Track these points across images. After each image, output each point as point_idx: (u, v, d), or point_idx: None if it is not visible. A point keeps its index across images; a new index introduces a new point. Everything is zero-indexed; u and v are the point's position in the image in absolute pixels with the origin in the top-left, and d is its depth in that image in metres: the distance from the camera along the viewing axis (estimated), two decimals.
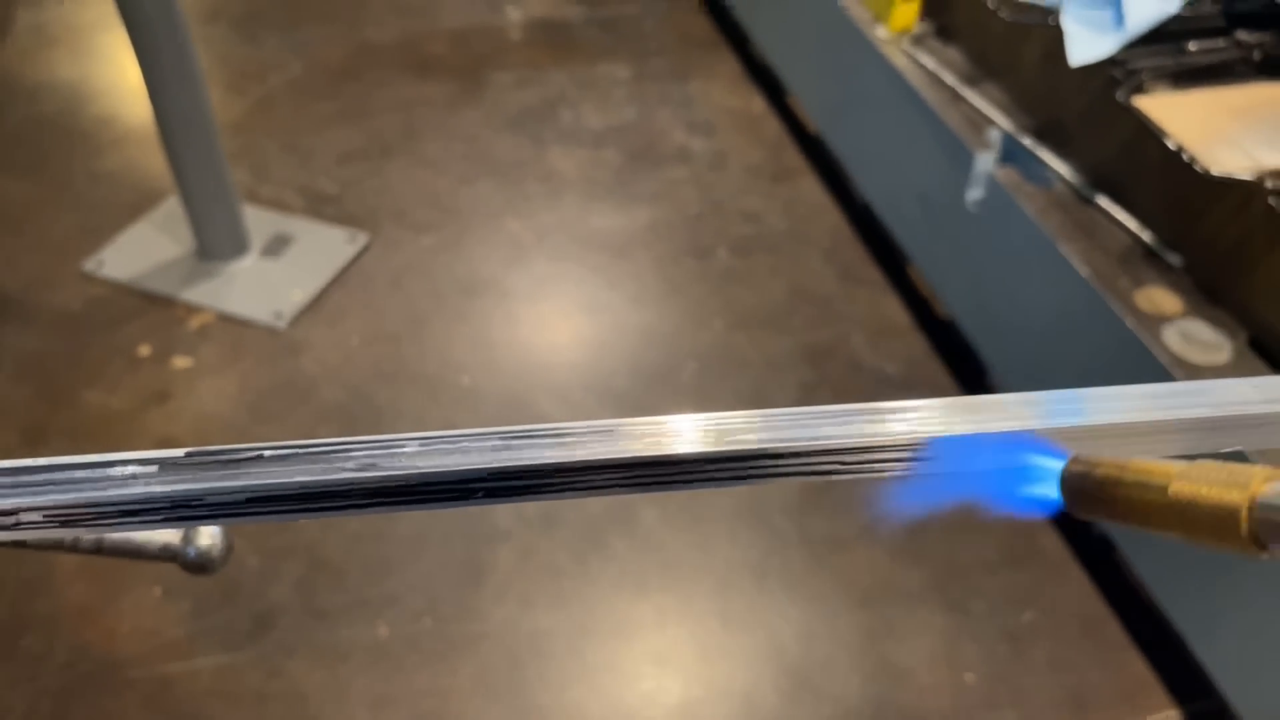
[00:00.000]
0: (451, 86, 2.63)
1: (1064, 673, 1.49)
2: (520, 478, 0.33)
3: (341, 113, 2.53)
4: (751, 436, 0.35)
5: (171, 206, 2.20)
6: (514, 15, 2.93)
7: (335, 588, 1.56)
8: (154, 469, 0.28)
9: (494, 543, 1.63)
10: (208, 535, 0.45)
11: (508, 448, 0.33)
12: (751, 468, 0.36)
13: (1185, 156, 1.41)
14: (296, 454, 0.30)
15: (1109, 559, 1.60)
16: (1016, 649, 1.52)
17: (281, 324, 1.98)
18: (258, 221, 2.18)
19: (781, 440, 0.37)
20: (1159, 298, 1.47)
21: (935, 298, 2.02)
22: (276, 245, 2.15)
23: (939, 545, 1.64)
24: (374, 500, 0.31)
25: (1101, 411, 0.37)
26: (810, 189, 2.35)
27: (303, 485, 0.29)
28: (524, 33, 2.86)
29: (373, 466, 0.31)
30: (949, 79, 1.88)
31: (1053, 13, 1.67)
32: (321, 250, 2.15)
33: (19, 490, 0.27)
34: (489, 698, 1.44)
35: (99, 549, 0.44)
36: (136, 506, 0.27)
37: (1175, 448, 0.36)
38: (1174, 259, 1.50)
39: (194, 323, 1.98)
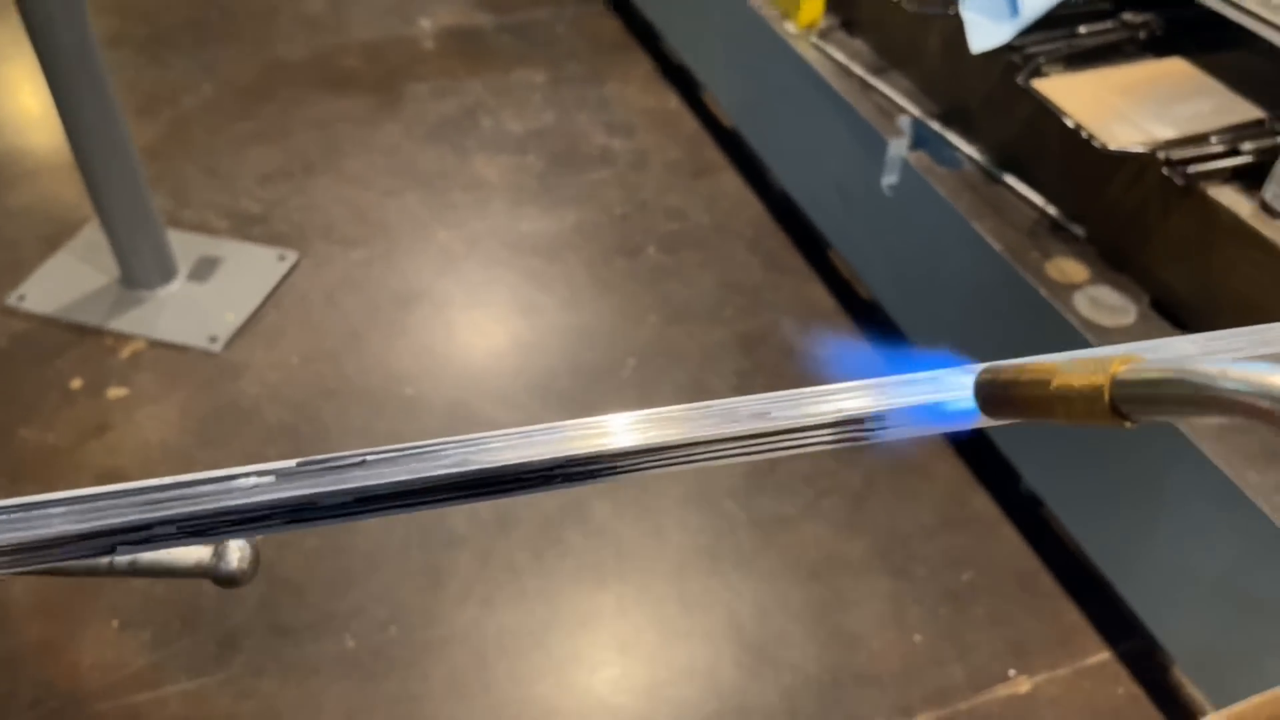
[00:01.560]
0: (369, 100, 2.64)
1: (1004, 626, 1.58)
2: (592, 462, 0.37)
3: (259, 132, 2.51)
4: (792, 412, 0.40)
5: (91, 235, 2.17)
6: (425, 25, 2.94)
7: (298, 604, 1.57)
8: (271, 479, 0.32)
9: (451, 548, 1.66)
10: (237, 549, 0.48)
11: (580, 437, 0.37)
12: (771, 442, 0.40)
13: (1083, 134, 1.51)
14: (397, 456, 0.34)
15: (1037, 516, 1.70)
16: (958, 607, 1.60)
17: (217, 347, 1.97)
18: (183, 245, 2.16)
19: (766, 420, 0.42)
20: (1067, 267, 1.57)
21: (857, 281, 2.10)
22: (204, 268, 2.14)
23: (879, 516, 1.72)
24: (468, 492, 0.35)
25: None
26: (730, 183, 2.42)
27: (404, 484, 0.33)
28: (437, 42, 2.88)
29: (465, 462, 0.35)
30: (858, 70, 1.96)
31: (952, 3, 1.76)
32: (251, 271, 2.14)
33: (149, 506, 0.30)
34: (460, 699, 1.47)
35: (134, 570, 0.47)
36: (261, 513, 0.31)
37: None
38: (1078, 230, 1.60)
39: (125, 352, 1.96)
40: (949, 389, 0.42)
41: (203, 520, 0.30)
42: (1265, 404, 0.30)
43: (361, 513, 0.33)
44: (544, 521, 1.70)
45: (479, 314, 2.09)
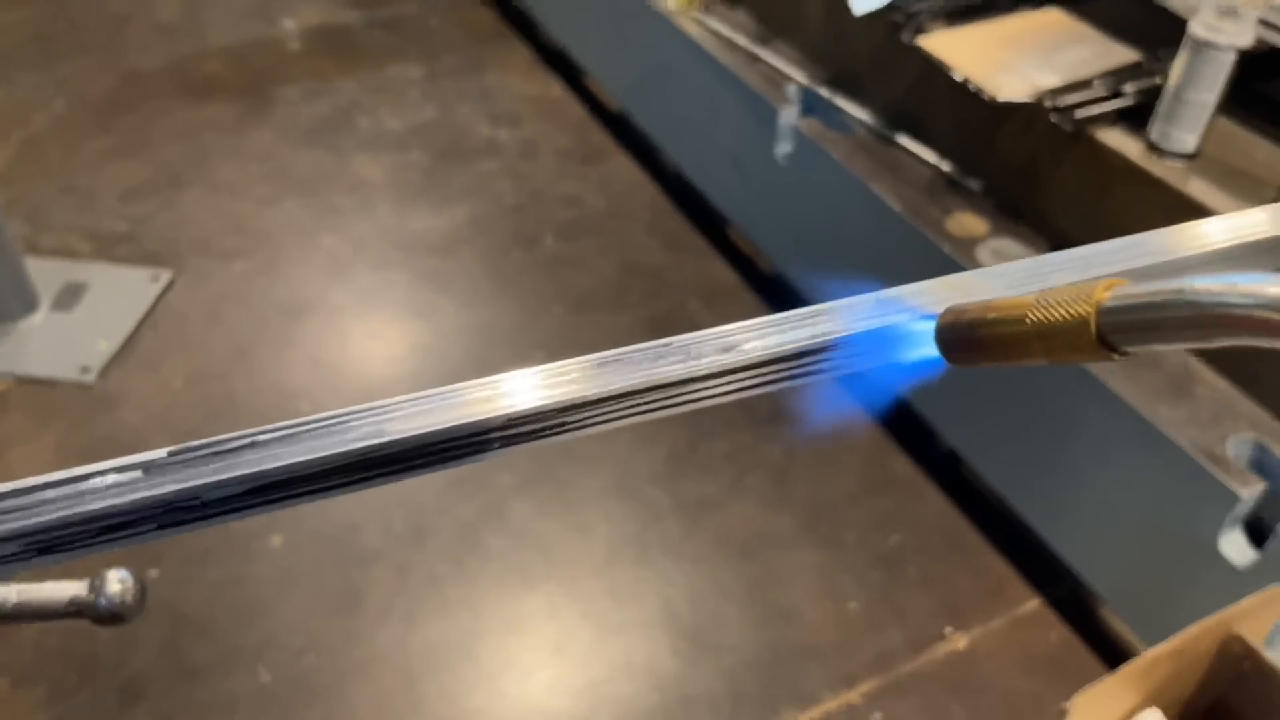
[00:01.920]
0: (236, 106, 2.50)
1: (936, 585, 1.58)
2: (536, 419, 0.32)
3: (119, 147, 2.36)
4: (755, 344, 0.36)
5: None
6: (289, 26, 2.81)
7: (203, 642, 1.47)
8: (137, 474, 0.26)
9: (366, 565, 1.57)
10: (116, 579, 0.42)
11: (519, 391, 0.32)
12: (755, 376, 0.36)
13: (971, 87, 1.51)
14: (296, 432, 0.28)
15: (957, 472, 1.71)
16: (889, 571, 1.60)
17: (90, 378, 1.84)
18: (44, 273, 2.01)
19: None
20: (967, 222, 1.57)
21: (759, 254, 2.08)
22: (69, 296, 1.99)
23: (802, 488, 1.70)
24: (386, 469, 0.29)
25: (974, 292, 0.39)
26: (622, 166, 2.37)
27: (309, 464, 0.27)
28: (303, 42, 2.75)
29: (380, 433, 0.29)
30: (742, 42, 1.94)
31: None
32: (122, 294, 2.00)
33: None
34: None
35: (3, 614, 0.40)
36: (126, 518, 0.25)
37: None
38: (975, 184, 1.61)
39: None
40: (905, 338, 0.38)
41: (54, 533, 0.24)
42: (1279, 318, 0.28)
43: (256, 504, 0.27)
44: (462, 528, 1.63)
45: (374, 319, 2.00)
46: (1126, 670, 1.07)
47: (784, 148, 1.81)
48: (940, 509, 1.67)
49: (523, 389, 0.33)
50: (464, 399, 0.32)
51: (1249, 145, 1.41)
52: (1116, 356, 0.32)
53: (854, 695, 1.44)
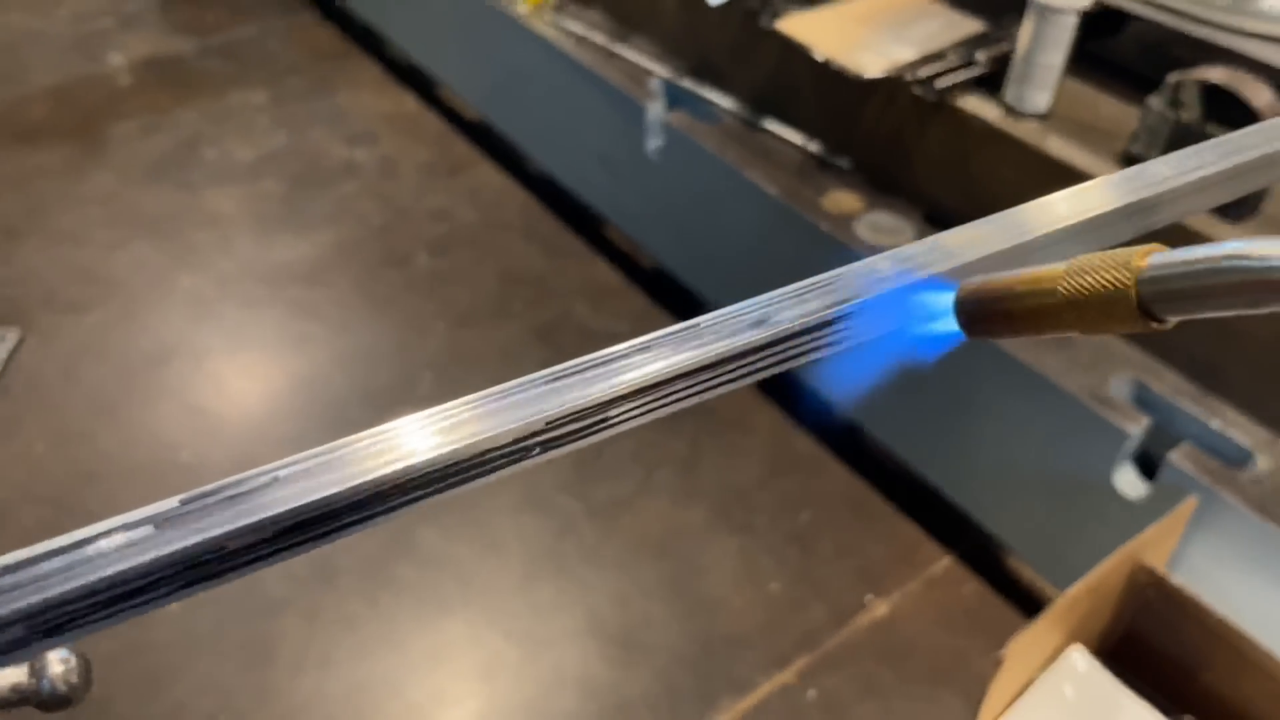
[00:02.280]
0: (68, 149, 2.35)
1: (850, 556, 1.61)
2: (578, 418, 0.30)
3: None
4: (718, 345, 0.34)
5: None
6: (117, 60, 2.66)
7: None
8: (149, 529, 0.22)
9: (272, 614, 1.50)
10: (59, 661, 0.37)
11: (554, 391, 0.29)
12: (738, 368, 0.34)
13: (834, 67, 1.54)
14: (323, 463, 0.25)
15: (858, 443, 1.74)
16: (804, 548, 1.62)
17: None
18: None
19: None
20: (842, 199, 1.60)
21: (639, 251, 2.08)
22: None
23: (711, 477, 1.71)
24: (429, 487, 0.26)
25: (978, 246, 0.38)
26: (489, 176, 2.33)
27: (342, 495, 0.24)
28: (134, 76, 2.61)
29: (440, 445, 0.26)
30: (599, 40, 1.93)
31: None
32: None
33: None
34: None
35: None
36: (144, 580, 0.21)
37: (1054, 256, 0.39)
38: (844, 162, 1.64)
39: None
40: (922, 313, 0.37)
41: (62, 609, 0.21)
42: None
43: (288, 547, 0.24)
44: (369, 563, 1.57)
45: (247, 358, 1.91)
46: (1050, 612, 1.11)
47: (654, 142, 1.81)
48: (845, 481, 1.70)
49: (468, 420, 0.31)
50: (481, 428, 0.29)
51: (1095, 102, 1.48)
52: (1158, 325, 0.31)
53: (788, 675, 1.45)
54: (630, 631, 1.49)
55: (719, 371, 0.34)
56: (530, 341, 1.92)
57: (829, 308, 0.36)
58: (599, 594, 1.54)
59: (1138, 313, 0.31)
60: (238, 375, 1.87)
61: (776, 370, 0.36)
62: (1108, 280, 0.32)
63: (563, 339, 1.93)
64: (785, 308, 0.35)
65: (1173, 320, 0.31)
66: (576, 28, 1.96)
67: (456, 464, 0.29)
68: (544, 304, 2.01)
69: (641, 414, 0.35)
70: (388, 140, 2.43)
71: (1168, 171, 0.41)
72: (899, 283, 0.37)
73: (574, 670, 1.45)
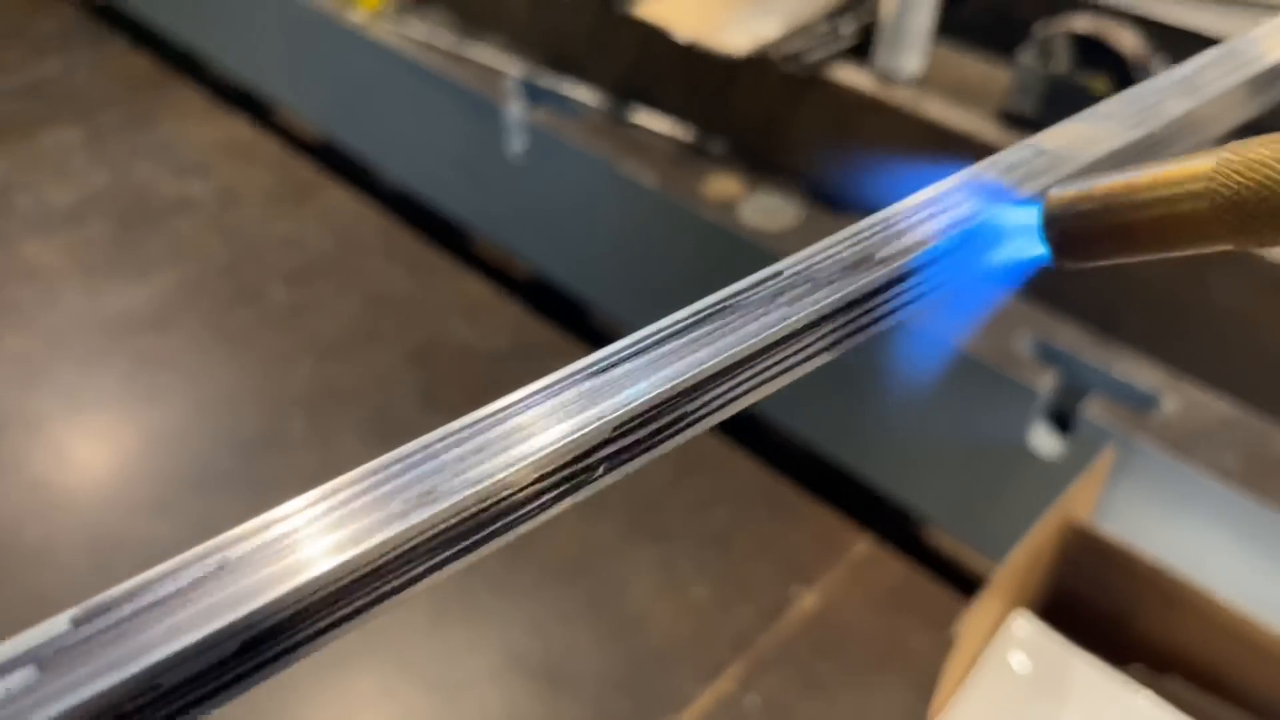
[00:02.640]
0: None
1: (771, 550, 1.56)
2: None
3: None
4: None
5: None
6: None
7: None
8: (31, 672, 0.13)
9: None
10: None
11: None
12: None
13: (698, 49, 1.49)
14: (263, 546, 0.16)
15: (762, 434, 1.69)
16: (724, 548, 1.56)
17: None
18: None
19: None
20: (722, 184, 1.55)
21: (511, 260, 1.99)
22: None
23: (617, 488, 1.62)
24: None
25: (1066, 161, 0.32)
26: (340, 198, 2.19)
27: (324, 581, 0.15)
28: None
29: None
30: (446, 43, 1.83)
31: None
32: None
33: None
34: None
35: None
36: None
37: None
38: (719, 147, 1.59)
39: None
40: (992, 237, 0.30)
41: None
42: None
43: (250, 671, 0.16)
44: None
45: (91, 420, 1.72)
46: (993, 583, 1.08)
47: (516, 145, 1.73)
48: (755, 475, 1.65)
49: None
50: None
51: (963, 64, 1.48)
52: None
53: (725, 683, 1.38)
54: (554, 662, 1.40)
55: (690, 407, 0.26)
56: (406, 366, 1.80)
57: (885, 264, 0.29)
58: (515, 626, 1.44)
59: None
60: (82, 440, 1.69)
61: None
62: None
63: (440, 360, 1.82)
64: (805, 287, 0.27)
65: None
66: (419, 32, 1.85)
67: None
68: (416, 326, 1.89)
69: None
70: (223, 170, 2.25)
71: None
72: (976, 215, 0.29)
73: (499, 712, 1.35)
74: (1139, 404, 1.24)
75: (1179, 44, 1.24)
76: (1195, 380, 1.24)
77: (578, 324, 1.87)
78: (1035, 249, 0.30)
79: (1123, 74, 1.22)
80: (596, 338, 1.84)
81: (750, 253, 1.46)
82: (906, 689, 1.36)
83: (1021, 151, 0.31)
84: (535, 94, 1.72)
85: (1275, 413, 1.20)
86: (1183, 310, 1.23)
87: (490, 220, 1.92)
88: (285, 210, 2.16)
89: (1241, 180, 0.26)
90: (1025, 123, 1.33)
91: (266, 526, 0.22)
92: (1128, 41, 1.24)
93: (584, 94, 1.69)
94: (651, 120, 1.63)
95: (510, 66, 1.75)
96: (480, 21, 1.86)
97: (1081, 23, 1.26)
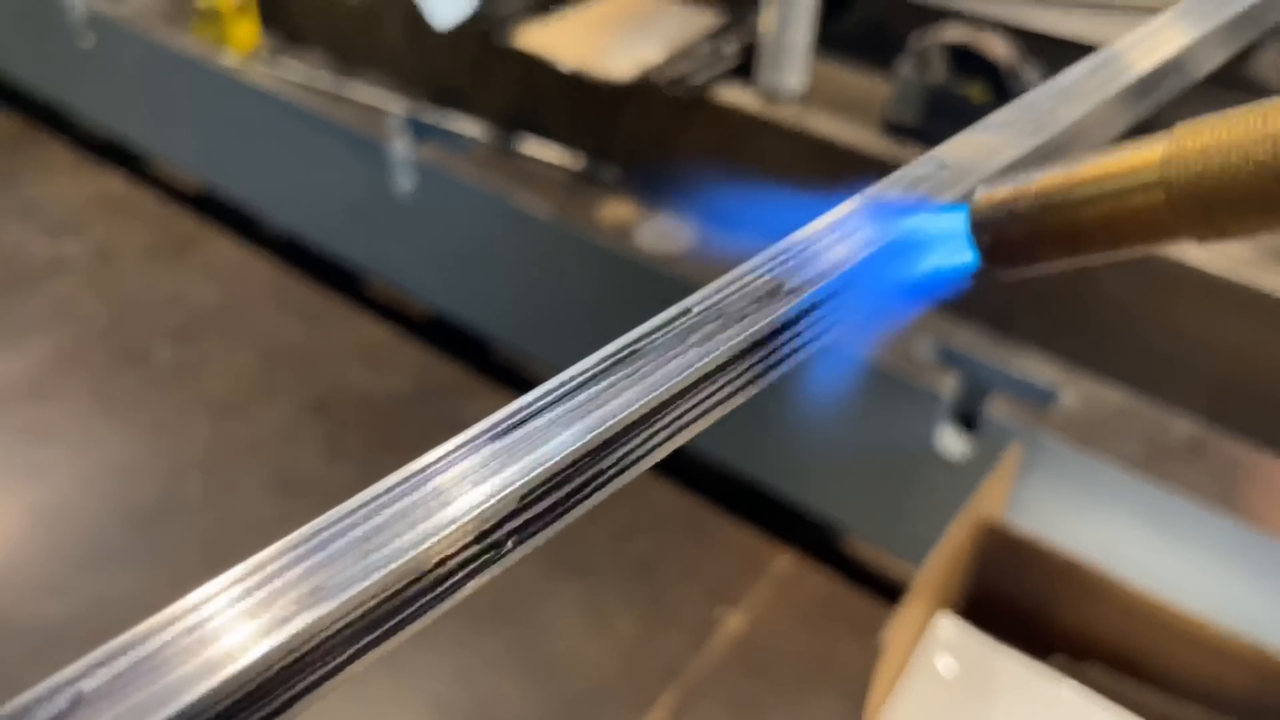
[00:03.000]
0: None
1: (694, 574, 1.54)
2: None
3: None
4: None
5: None
6: None
7: None
8: None
9: None
10: None
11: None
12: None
13: (583, 76, 1.48)
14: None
15: (677, 457, 1.68)
16: (647, 577, 1.54)
17: None
18: None
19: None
20: (616, 210, 1.54)
21: (407, 300, 1.94)
22: None
23: None
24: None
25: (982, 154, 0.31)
26: (224, 249, 2.12)
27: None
28: None
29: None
30: (324, 83, 1.78)
31: None
32: None
33: None
34: None
35: None
36: None
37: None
38: (611, 173, 1.58)
39: None
40: (909, 252, 0.28)
41: None
42: None
43: None
44: None
45: None
46: (915, 588, 1.08)
47: (404, 183, 1.69)
48: (673, 499, 1.64)
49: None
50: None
51: (844, 79, 1.50)
52: None
53: (658, 714, 1.36)
54: (483, 711, 1.36)
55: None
56: (306, 418, 1.74)
57: (788, 297, 0.27)
58: (440, 678, 1.39)
59: None
60: None
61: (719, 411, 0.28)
62: (1265, 155, 0.22)
63: (342, 408, 1.76)
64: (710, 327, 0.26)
65: None
66: (296, 74, 1.80)
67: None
68: (314, 375, 1.83)
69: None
70: (98, 227, 2.16)
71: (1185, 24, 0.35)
72: (868, 244, 0.28)
73: None
74: (1039, 400, 1.27)
75: (1048, 50, 1.28)
76: (1091, 373, 1.28)
77: (481, 360, 1.84)
78: (964, 257, 0.28)
79: (997, 81, 1.25)
80: (500, 372, 1.81)
81: (649, 277, 1.45)
82: (838, 700, 1.36)
83: (924, 166, 0.30)
84: (420, 130, 1.69)
85: (1168, 400, 1.24)
86: (1075, 306, 1.27)
87: (383, 261, 1.88)
88: (166, 265, 2.07)
89: (1198, 167, 0.23)
90: (908, 132, 1.35)
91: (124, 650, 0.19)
92: (1000, 49, 1.27)
93: (470, 127, 1.66)
94: (541, 150, 1.62)
95: (392, 104, 1.72)
96: (358, 60, 1.82)
97: (955, 33, 1.29)
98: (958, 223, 0.27)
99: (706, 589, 1.52)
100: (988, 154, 0.30)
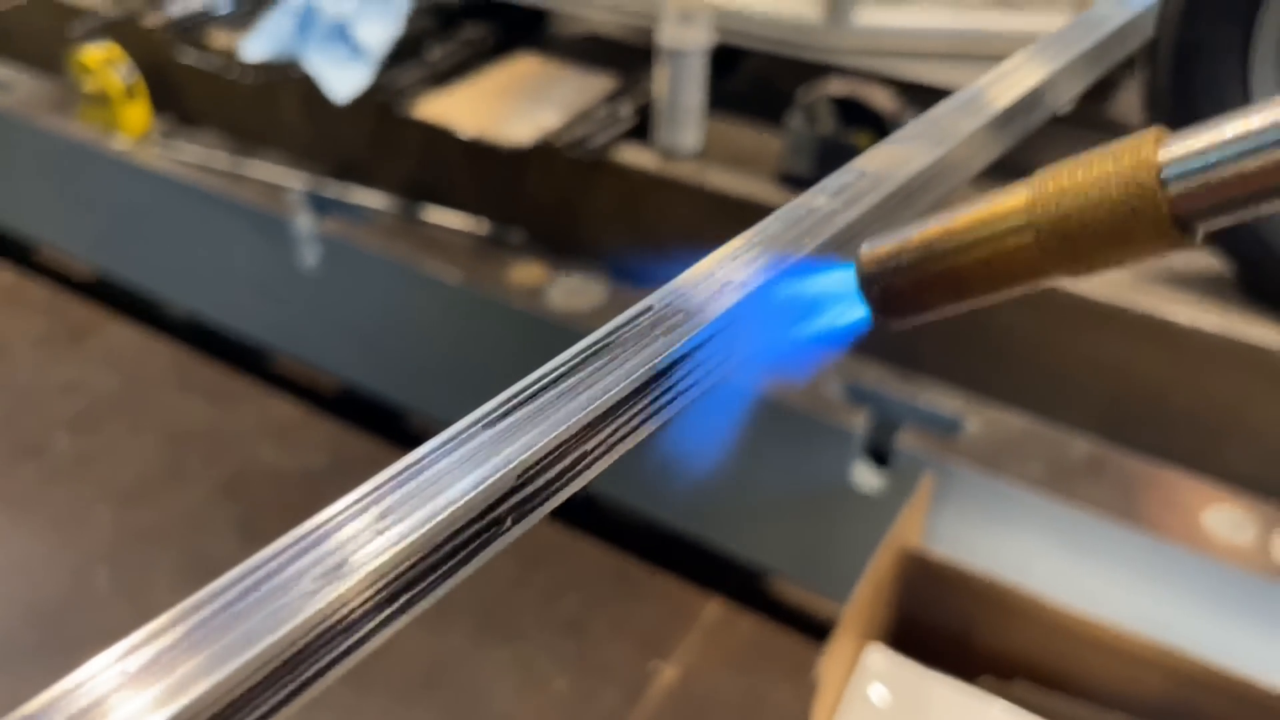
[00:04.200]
0: None
1: (625, 628, 1.54)
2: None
3: None
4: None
5: None
6: None
7: None
8: None
9: None
10: None
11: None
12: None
13: (483, 143, 1.51)
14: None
15: (596, 512, 1.69)
16: (578, 635, 1.53)
17: None
18: None
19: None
20: (525, 273, 1.56)
21: (318, 375, 1.92)
22: None
23: (461, 593, 1.57)
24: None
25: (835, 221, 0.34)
26: (122, 334, 2.06)
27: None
28: None
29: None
30: (221, 163, 1.77)
31: (292, 64, 1.65)
32: None
33: None
34: None
35: None
36: None
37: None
38: (517, 237, 1.61)
39: None
40: (811, 304, 0.30)
41: None
42: None
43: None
44: None
45: None
46: (843, 621, 1.10)
47: (309, 257, 1.68)
48: (597, 555, 1.64)
49: None
50: None
51: (738, 135, 1.56)
52: (1189, 241, 0.24)
53: None
54: None
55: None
56: (218, 501, 1.70)
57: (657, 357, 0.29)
58: None
59: (1167, 224, 0.23)
60: None
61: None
62: (1113, 186, 0.23)
63: (255, 490, 1.72)
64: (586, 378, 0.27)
65: (1205, 230, 0.24)
66: (192, 155, 1.79)
67: None
68: (223, 457, 1.79)
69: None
70: None
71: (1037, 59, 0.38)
72: (757, 284, 0.30)
73: None
74: (946, 429, 1.32)
75: (928, 99, 1.36)
76: (992, 401, 1.33)
77: (395, 431, 1.82)
78: (856, 312, 0.29)
79: (882, 129, 1.32)
80: (416, 442, 1.79)
81: (563, 335, 1.47)
82: None
83: (847, 175, 0.32)
84: (322, 204, 1.69)
85: (1066, 421, 1.30)
86: (972, 337, 1.33)
87: (290, 337, 1.86)
88: (61, 354, 2.01)
89: (1058, 206, 0.25)
90: (802, 182, 1.41)
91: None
92: (882, 100, 1.34)
93: (373, 199, 1.67)
94: (446, 217, 1.63)
95: (292, 180, 1.72)
96: (255, 138, 1.81)
97: (838, 86, 1.36)
98: (848, 279, 0.29)
99: (638, 642, 1.52)
100: (900, 163, 0.33)
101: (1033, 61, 0.46)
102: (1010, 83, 0.45)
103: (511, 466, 0.25)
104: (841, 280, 0.30)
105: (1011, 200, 0.26)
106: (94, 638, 1.47)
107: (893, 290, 0.28)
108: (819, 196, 0.32)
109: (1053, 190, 0.25)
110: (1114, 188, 0.24)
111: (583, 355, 0.29)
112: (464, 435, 0.26)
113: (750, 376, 0.31)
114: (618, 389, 0.27)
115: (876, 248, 0.28)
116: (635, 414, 0.27)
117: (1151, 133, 0.24)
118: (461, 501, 0.25)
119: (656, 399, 0.28)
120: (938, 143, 0.34)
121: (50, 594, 1.54)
